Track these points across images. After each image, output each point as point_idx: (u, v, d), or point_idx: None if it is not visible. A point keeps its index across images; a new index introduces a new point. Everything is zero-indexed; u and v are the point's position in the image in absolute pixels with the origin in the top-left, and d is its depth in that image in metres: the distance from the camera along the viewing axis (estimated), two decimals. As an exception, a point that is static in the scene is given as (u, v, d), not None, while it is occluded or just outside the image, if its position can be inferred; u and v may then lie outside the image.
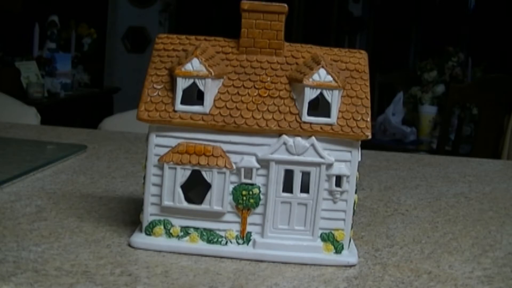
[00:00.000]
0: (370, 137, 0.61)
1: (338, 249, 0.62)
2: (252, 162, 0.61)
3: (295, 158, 0.60)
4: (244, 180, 0.61)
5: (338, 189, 0.61)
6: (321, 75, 0.60)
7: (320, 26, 5.51)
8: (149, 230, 0.63)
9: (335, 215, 0.62)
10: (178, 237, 0.62)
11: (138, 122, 0.61)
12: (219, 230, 0.62)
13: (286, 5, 0.65)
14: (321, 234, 0.62)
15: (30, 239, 0.63)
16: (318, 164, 0.61)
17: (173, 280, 0.55)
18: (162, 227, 0.62)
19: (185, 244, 0.62)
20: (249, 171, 0.61)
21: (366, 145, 0.65)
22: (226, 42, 0.66)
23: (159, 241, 0.62)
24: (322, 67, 0.60)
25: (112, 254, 0.61)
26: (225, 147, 0.61)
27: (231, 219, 0.62)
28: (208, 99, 0.61)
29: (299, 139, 0.60)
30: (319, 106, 0.64)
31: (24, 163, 0.93)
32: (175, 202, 0.62)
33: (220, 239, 0.62)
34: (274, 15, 0.64)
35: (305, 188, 0.61)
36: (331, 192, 0.62)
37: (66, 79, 3.69)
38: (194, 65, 0.60)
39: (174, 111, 0.61)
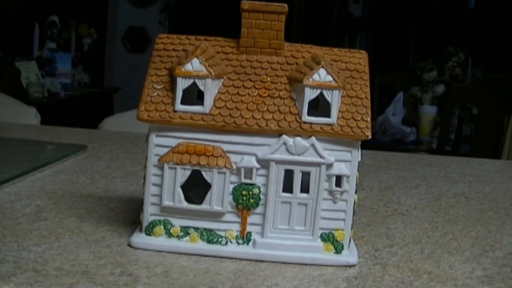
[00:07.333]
0: (370, 137, 0.61)
1: (338, 249, 0.62)
2: (252, 162, 0.61)
3: (295, 158, 0.60)
4: (244, 180, 0.61)
5: (338, 189, 0.61)
6: (321, 75, 0.60)
7: (320, 26, 5.51)
8: (149, 230, 0.63)
9: (335, 215, 0.62)
10: (178, 237, 0.62)
11: (138, 122, 0.61)
12: (219, 230, 0.62)
13: (286, 5, 0.65)
14: (321, 234, 0.62)
15: (30, 239, 0.63)
16: (318, 164, 0.61)
17: (173, 280, 0.55)
18: (162, 227, 0.62)
19: (185, 244, 0.62)
20: (249, 171, 0.61)
21: (366, 145, 0.65)
22: (226, 42, 0.66)
23: (159, 241, 0.62)
24: (322, 67, 0.60)
25: (112, 254, 0.60)
26: (225, 147, 0.61)
27: (231, 219, 0.62)
28: (208, 99, 0.61)
29: (299, 139, 0.60)
30: (319, 106, 0.64)
31: (24, 163, 0.93)
32: (175, 202, 0.62)
33: (220, 239, 0.62)
34: (274, 15, 0.64)
35: (305, 188, 0.61)
36: (331, 192, 0.62)
37: (66, 79, 3.69)
38: (194, 65, 0.60)
39: (174, 111, 0.61)
